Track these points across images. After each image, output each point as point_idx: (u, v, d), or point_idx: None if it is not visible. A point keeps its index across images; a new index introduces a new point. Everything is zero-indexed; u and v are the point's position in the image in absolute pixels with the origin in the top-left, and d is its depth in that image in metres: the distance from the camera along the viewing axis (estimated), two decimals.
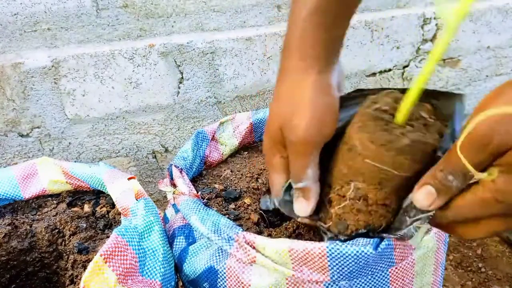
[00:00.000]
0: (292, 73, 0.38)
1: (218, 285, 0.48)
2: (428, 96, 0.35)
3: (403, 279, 0.45)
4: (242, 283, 0.46)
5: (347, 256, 0.40)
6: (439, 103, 0.36)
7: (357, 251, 0.40)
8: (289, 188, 0.41)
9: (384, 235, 0.39)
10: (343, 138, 0.38)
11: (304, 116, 0.36)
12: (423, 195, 0.31)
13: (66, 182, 0.63)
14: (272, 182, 0.42)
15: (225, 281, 0.48)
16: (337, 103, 0.38)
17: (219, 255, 0.49)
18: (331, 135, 0.38)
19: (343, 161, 0.37)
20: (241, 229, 0.47)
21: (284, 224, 0.53)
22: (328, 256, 0.41)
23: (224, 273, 0.48)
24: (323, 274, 0.42)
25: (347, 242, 0.40)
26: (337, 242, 0.40)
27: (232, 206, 0.59)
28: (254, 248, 0.44)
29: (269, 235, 0.51)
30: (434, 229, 0.48)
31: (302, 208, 0.40)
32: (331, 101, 0.37)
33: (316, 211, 0.41)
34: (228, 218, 0.52)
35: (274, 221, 0.58)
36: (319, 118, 0.36)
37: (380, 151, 0.33)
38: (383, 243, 0.41)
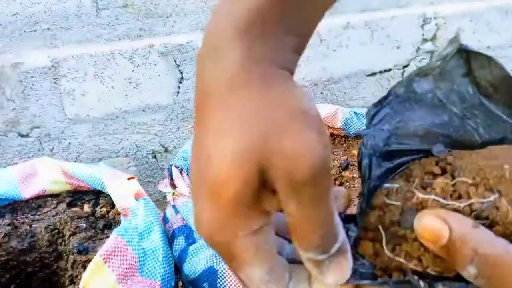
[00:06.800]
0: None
1: (218, 285, 0.48)
2: None
3: None
4: None
5: None
6: None
7: None
8: None
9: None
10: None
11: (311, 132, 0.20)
12: None
13: (66, 182, 0.63)
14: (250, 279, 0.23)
15: (224, 281, 0.48)
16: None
17: (218, 255, 0.49)
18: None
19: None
20: None
21: None
22: None
23: (224, 273, 0.48)
24: None
25: None
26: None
27: None
28: None
29: None
30: None
31: (342, 273, 0.23)
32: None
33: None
34: None
35: None
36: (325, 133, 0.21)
37: None
38: None
